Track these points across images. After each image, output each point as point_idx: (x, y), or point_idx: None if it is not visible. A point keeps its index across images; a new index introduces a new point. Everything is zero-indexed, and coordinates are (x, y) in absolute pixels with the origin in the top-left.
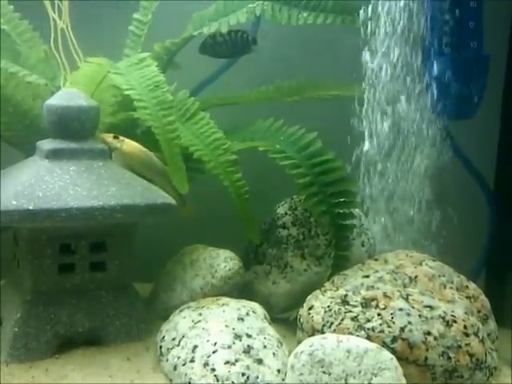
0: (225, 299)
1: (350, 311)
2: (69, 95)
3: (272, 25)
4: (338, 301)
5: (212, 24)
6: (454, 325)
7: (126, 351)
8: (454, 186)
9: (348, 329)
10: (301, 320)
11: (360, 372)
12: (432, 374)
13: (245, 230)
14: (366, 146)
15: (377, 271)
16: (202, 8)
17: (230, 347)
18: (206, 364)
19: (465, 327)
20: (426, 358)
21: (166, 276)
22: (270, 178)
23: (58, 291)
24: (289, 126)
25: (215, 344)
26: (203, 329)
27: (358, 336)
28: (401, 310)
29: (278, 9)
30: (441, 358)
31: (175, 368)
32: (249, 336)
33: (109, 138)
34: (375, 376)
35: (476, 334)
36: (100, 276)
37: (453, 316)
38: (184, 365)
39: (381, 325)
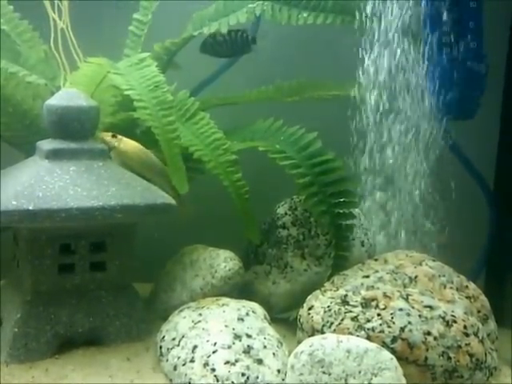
0: (225, 299)
1: (350, 311)
2: (69, 95)
3: (272, 25)
4: (338, 301)
5: (212, 24)
6: (454, 325)
7: (126, 351)
8: (454, 186)
9: (348, 329)
10: (301, 320)
11: (360, 372)
12: (432, 374)
13: (245, 230)
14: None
15: (377, 271)
16: (202, 8)
17: (229, 347)
18: (205, 364)
19: (465, 327)
20: (426, 358)
21: (165, 276)
22: (270, 178)
23: (57, 291)
24: (289, 126)
25: (215, 344)
26: (203, 329)
27: (357, 336)
28: (401, 310)
29: (277, 9)
30: (441, 358)
31: (175, 368)
32: (249, 336)
33: (107, 136)
34: (375, 376)
35: (476, 334)
36: (100, 276)
37: (453, 316)
38: (184, 365)
39: (381, 325)
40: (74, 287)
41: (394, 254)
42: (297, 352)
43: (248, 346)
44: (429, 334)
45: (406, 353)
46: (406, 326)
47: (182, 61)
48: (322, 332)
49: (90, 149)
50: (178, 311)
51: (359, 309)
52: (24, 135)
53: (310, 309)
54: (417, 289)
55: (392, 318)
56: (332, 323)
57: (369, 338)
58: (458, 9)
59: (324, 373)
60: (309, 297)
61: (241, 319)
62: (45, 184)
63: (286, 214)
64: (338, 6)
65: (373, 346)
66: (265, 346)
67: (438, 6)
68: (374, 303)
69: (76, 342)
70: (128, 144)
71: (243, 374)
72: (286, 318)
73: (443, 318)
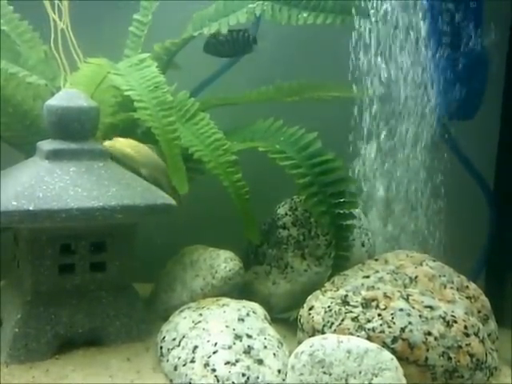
0: (225, 300)
1: (351, 311)
2: (69, 96)
3: (272, 25)
4: (339, 301)
5: (212, 24)
6: (455, 325)
7: (126, 351)
8: (454, 186)
9: (348, 329)
10: (301, 320)
11: (360, 372)
12: (432, 375)
13: (245, 230)
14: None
15: (377, 271)
16: (202, 8)
17: (230, 348)
18: (206, 364)
19: (465, 327)
20: (427, 359)
21: (166, 276)
22: (270, 178)
23: (58, 292)
24: (289, 127)
25: (216, 344)
26: (203, 329)
27: (358, 336)
28: (401, 310)
29: (277, 9)
30: (441, 358)
31: (175, 368)
32: (249, 336)
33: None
34: (376, 376)
35: (476, 334)
36: (100, 276)
37: (453, 316)
38: (184, 365)
39: (381, 325)
40: (74, 287)
41: (394, 255)
42: (297, 352)
43: (248, 346)
44: (429, 334)
45: (406, 353)
46: (406, 327)
47: (182, 61)
48: (323, 332)
49: (90, 149)
50: (179, 311)
51: (359, 309)
52: (24, 136)
53: (310, 309)
54: (417, 289)
55: (392, 318)
56: (332, 323)
57: (369, 338)
58: (458, 9)
59: (324, 373)
60: (309, 297)
61: (241, 319)
62: (45, 184)
63: (286, 214)
64: (338, 6)
65: (373, 346)
66: (265, 347)
67: (439, 5)
68: (374, 303)
69: (76, 342)
70: (120, 143)
71: (244, 375)
72: (287, 319)
73: (443, 318)
